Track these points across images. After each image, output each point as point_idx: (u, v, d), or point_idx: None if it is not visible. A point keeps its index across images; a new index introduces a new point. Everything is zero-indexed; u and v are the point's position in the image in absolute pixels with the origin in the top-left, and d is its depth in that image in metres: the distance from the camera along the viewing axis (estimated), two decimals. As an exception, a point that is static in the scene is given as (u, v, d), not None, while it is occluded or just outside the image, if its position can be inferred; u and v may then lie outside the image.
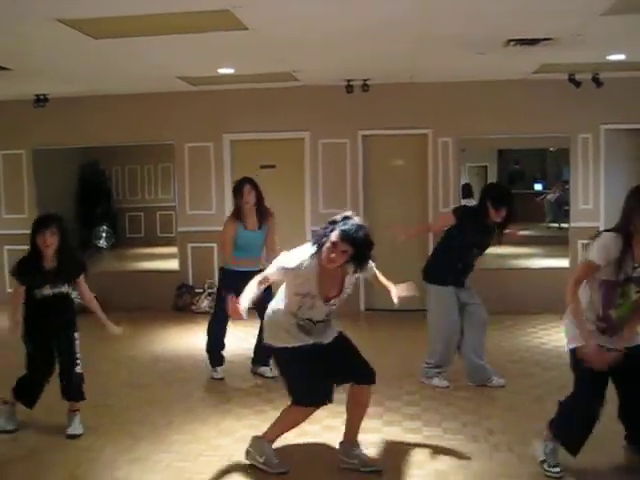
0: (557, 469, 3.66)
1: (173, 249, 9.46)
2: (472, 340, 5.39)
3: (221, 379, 5.79)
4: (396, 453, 4.13)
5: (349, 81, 8.42)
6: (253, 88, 8.69)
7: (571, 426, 3.64)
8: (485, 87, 8.44)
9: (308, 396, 3.75)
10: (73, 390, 4.47)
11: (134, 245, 12.24)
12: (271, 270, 3.80)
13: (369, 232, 3.63)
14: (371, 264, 3.83)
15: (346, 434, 4.00)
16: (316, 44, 6.40)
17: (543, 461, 3.72)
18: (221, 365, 5.87)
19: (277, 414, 4.75)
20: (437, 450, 4.16)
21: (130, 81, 8.19)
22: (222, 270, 5.95)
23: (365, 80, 8.38)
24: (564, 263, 8.68)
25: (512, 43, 6.24)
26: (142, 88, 8.64)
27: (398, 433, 4.47)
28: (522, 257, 11.17)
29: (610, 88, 8.04)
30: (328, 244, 3.56)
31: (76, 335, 4.53)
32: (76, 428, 4.45)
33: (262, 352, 5.42)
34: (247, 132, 8.86)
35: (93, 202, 11.35)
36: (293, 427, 3.97)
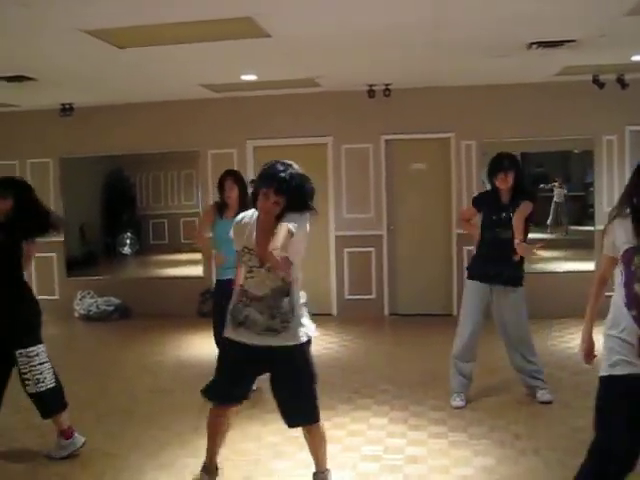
0: None
1: (197, 255, 9.50)
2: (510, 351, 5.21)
3: None
4: (421, 458, 4.11)
5: (371, 86, 8.42)
6: (276, 94, 8.73)
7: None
8: (508, 90, 8.39)
9: (210, 390, 3.52)
10: (37, 408, 4.18)
11: (158, 252, 12.31)
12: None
13: (304, 180, 3.36)
14: (304, 217, 3.38)
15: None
16: (338, 50, 6.41)
17: None
18: None
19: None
20: (463, 455, 4.13)
21: (154, 89, 8.27)
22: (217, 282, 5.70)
23: (387, 85, 8.38)
24: (590, 266, 8.58)
25: (534, 46, 6.21)
26: (166, 96, 8.73)
27: (423, 438, 4.45)
28: (547, 261, 11.08)
29: (635, 89, 7.96)
30: (260, 194, 3.27)
31: (19, 352, 4.08)
32: (52, 452, 4.19)
33: None
34: (270, 138, 8.89)
35: (118, 209, 11.44)
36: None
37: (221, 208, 5.55)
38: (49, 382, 4.15)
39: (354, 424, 4.70)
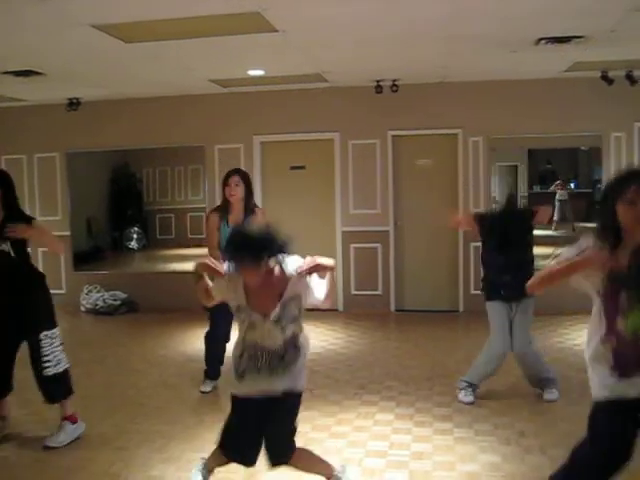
0: None
1: (203, 250, 9.51)
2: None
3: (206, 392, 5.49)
4: (427, 454, 4.11)
5: (378, 81, 8.41)
6: (283, 89, 8.72)
7: None
8: (516, 86, 8.36)
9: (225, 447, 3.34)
10: (47, 392, 4.25)
11: (165, 246, 12.33)
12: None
13: (252, 231, 3.03)
14: (292, 260, 3.15)
15: None
16: (345, 45, 6.40)
17: None
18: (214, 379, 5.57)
19: (307, 414, 4.78)
20: (468, 452, 4.13)
21: (160, 84, 8.28)
22: None
23: (394, 80, 8.36)
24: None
25: (543, 42, 6.18)
26: (173, 91, 8.73)
27: (429, 434, 4.44)
28: (553, 258, 11.04)
29: (644, 85, 7.92)
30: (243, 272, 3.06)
31: (45, 334, 4.18)
32: (53, 440, 4.21)
33: None
34: (277, 133, 8.89)
35: (124, 204, 11.47)
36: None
37: (223, 213, 5.30)
38: (65, 362, 4.31)
39: (360, 420, 4.70)
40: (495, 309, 5.02)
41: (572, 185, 11.37)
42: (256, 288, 3.10)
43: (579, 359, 6.19)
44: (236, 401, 3.29)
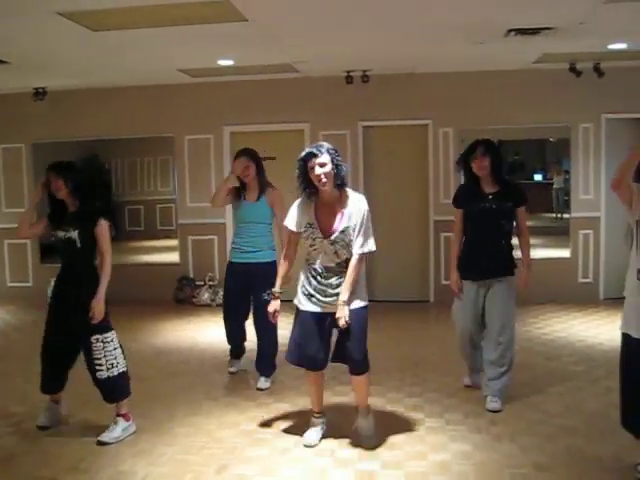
0: None
1: (173, 242, 9.45)
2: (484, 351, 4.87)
3: (233, 373, 5.72)
4: (398, 445, 4.13)
5: (349, 72, 8.39)
6: (253, 80, 8.66)
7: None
8: (485, 77, 8.41)
9: (291, 354, 4.14)
10: (103, 393, 4.31)
11: (134, 238, 12.20)
12: (287, 221, 4.09)
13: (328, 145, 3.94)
14: (353, 195, 4.03)
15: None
16: (315, 35, 6.38)
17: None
18: (236, 358, 5.77)
19: (280, 406, 4.81)
20: (439, 441, 4.16)
21: (129, 74, 8.17)
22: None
23: (365, 71, 8.36)
24: (565, 253, 8.67)
25: (512, 33, 6.21)
26: (141, 80, 8.62)
27: (401, 424, 4.46)
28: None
29: (611, 77, 8.02)
30: (309, 170, 3.92)
31: (96, 338, 4.19)
32: (106, 436, 4.21)
33: (262, 362, 5.43)
34: (247, 124, 8.83)
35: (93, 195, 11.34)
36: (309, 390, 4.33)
37: (239, 190, 5.42)
38: (122, 366, 4.33)
39: (332, 411, 4.70)
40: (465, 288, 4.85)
41: (540, 176, 11.49)
42: (324, 212, 3.94)
43: (547, 348, 6.30)
44: (300, 313, 4.07)
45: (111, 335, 4.26)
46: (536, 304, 7.97)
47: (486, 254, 4.70)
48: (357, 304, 3.97)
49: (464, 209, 4.82)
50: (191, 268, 9.17)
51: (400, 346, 6.51)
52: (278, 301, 4.16)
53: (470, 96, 8.45)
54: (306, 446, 4.09)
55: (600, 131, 8.45)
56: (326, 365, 4.12)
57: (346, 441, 4.18)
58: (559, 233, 9.19)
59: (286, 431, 4.38)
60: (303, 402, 4.88)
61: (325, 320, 3.97)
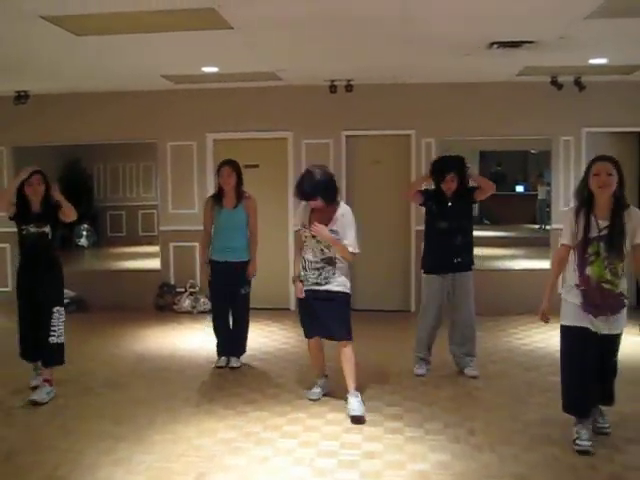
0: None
1: (155, 248, 9.42)
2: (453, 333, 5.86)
3: (220, 367, 6.09)
4: (377, 454, 4.13)
5: (333, 81, 8.42)
6: (236, 87, 8.66)
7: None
8: (468, 89, 8.47)
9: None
10: (47, 356, 5.11)
11: (116, 244, 12.19)
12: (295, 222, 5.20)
13: (315, 176, 4.87)
14: (342, 206, 4.98)
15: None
16: (300, 44, 6.39)
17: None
18: (220, 355, 6.20)
19: (259, 414, 4.80)
20: (418, 451, 4.16)
21: (113, 79, 8.14)
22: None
23: (349, 80, 8.39)
24: (547, 265, 8.73)
25: (495, 46, 6.28)
26: (125, 86, 8.59)
27: (379, 434, 4.47)
28: (504, 258, 11.24)
29: (592, 91, 8.12)
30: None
31: (57, 309, 5.10)
32: (38, 394, 4.99)
33: (235, 344, 6.16)
34: (230, 131, 8.82)
35: (74, 201, 11.29)
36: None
37: (217, 198, 6.05)
38: (63, 338, 5.17)
39: (311, 419, 4.70)
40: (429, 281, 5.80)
41: (522, 187, 11.60)
42: (317, 215, 4.86)
43: (527, 358, 6.34)
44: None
45: (63, 310, 5.19)
46: (516, 314, 8.02)
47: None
48: (340, 289, 4.94)
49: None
50: (172, 275, 9.12)
51: (380, 355, 6.52)
52: (300, 284, 4.98)
53: (453, 107, 8.51)
54: (310, 399, 5.06)
55: (580, 144, 8.53)
56: (318, 335, 5.03)
57: (325, 450, 4.18)
58: (542, 244, 9.27)
59: (265, 440, 4.37)
60: (282, 411, 4.88)
61: (309, 298, 4.92)
